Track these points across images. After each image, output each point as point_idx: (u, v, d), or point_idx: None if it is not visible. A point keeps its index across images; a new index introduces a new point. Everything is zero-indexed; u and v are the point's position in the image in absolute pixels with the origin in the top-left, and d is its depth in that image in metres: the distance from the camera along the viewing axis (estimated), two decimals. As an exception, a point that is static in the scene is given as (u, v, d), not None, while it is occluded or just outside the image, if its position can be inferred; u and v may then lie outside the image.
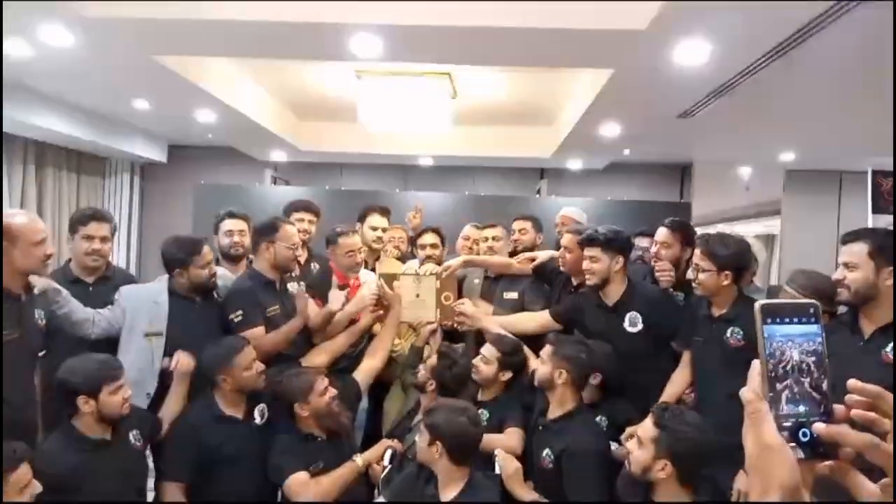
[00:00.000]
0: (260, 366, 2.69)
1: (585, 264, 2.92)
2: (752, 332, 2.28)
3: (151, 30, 3.47)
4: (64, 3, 3.17)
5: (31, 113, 5.25)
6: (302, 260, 3.60)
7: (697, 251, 2.66)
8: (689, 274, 2.75)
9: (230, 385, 2.65)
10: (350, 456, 2.67)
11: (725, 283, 2.59)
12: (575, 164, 7.44)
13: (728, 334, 2.57)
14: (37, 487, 2.01)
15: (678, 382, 2.81)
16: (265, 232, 3.01)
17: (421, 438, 2.32)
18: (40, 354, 2.65)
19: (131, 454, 2.50)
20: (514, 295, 3.46)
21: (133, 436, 2.52)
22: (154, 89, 4.98)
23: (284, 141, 6.62)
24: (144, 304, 2.86)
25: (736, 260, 2.60)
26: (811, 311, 0.68)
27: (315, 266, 3.64)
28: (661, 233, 3.15)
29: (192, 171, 7.65)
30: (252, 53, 4.23)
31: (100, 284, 2.98)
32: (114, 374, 2.39)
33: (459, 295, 3.48)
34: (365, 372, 3.08)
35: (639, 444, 1.97)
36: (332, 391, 2.66)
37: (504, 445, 2.56)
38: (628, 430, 2.37)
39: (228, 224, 3.46)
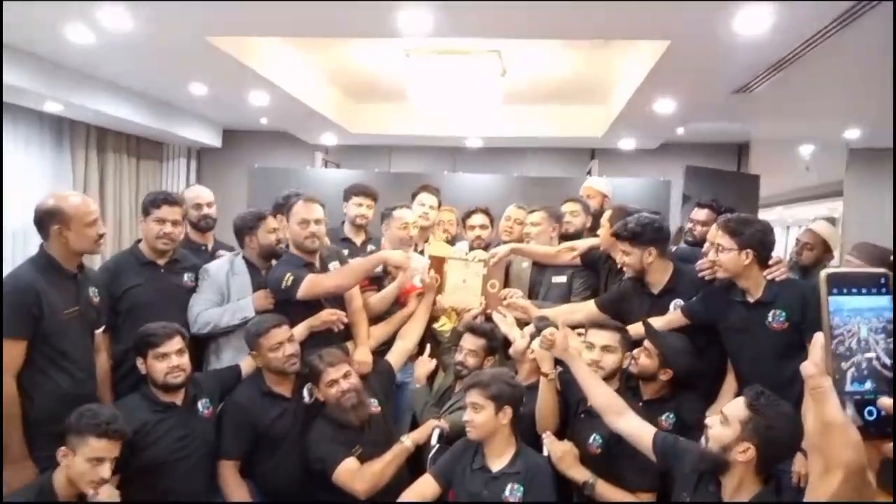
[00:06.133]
0: (290, 349, 2.69)
1: (619, 257, 2.88)
2: (794, 312, 2.19)
3: (204, 10, 3.52)
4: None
5: (93, 99, 5.42)
6: (359, 242, 3.68)
7: (718, 230, 2.54)
8: (710, 255, 2.63)
9: (260, 363, 2.71)
10: (385, 436, 2.69)
11: (746, 262, 2.46)
12: (627, 143, 7.28)
13: (770, 318, 2.45)
14: (105, 472, 2.13)
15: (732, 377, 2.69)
16: (279, 212, 3.07)
17: (481, 412, 2.33)
18: (99, 330, 2.78)
19: (198, 421, 2.59)
20: (562, 279, 3.43)
21: (202, 404, 2.62)
22: (209, 72, 5.07)
23: (335, 124, 6.67)
24: (227, 276, 3.07)
25: (758, 238, 2.46)
26: (882, 281, 0.63)
27: (371, 248, 3.68)
28: (713, 233, 2.82)
29: (245, 155, 7.79)
30: (301, 32, 4.24)
31: (170, 266, 3.05)
32: (154, 340, 2.49)
33: (507, 279, 3.46)
34: (397, 354, 3.12)
35: (723, 422, 1.87)
36: (344, 384, 2.62)
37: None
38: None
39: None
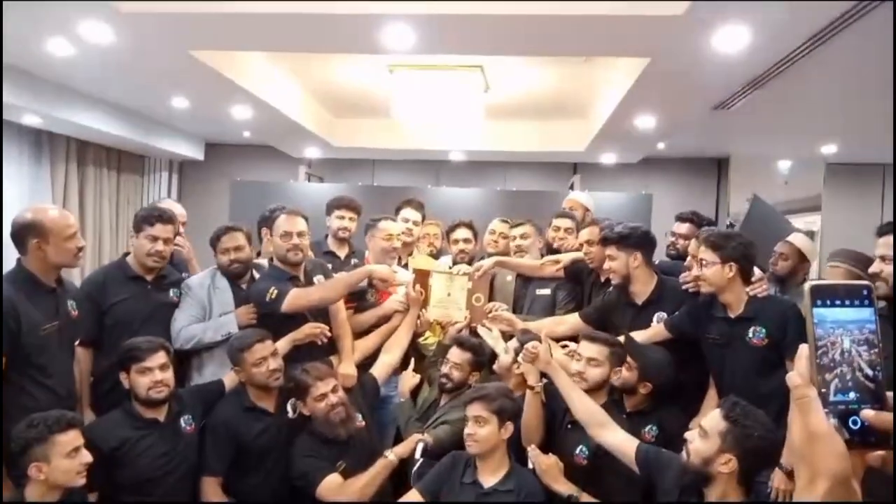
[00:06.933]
0: (273, 363, 2.66)
1: (605, 264, 2.91)
2: (774, 329, 2.21)
3: (187, 24, 3.51)
4: (102, 1, 3.23)
5: (73, 111, 5.38)
6: (343, 255, 3.67)
7: (700, 245, 2.56)
8: (694, 270, 2.63)
9: (243, 378, 2.69)
10: (369, 451, 2.67)
11: (730, 275, 2.47)
12: (609, 158, 7.35)
13: (750, 334, 2.47)
14: (86, 457, 2.11)
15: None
16: (265, 225, 3.04)
17: (485, 426, 2.32)
18: (76, 343, 2.75)
19: (180, 437, 2.56)
20: (546, 291, 3.44)
21: (184, 419, 2.59)
22: (192, 86, 5.06)
23: (318, 137, 6.67)
24: (209, 291, 3.03)
25: (740, 251, 2.48)
26: (864, 293, 0.65)
27: (355, 262, 3.66)
28: (695, 248, 2.80)
29: (227, 168, 7.78)
30: (285, 47, 4.25)
31: (157, 282, 3.01)
32: (137, 354, 2.46)
33: (491, 292, 3.46)
34: (382, 368, 3.10)
35: (702, 435, 1.87)
36: (333, 398, 2.60)
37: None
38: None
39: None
